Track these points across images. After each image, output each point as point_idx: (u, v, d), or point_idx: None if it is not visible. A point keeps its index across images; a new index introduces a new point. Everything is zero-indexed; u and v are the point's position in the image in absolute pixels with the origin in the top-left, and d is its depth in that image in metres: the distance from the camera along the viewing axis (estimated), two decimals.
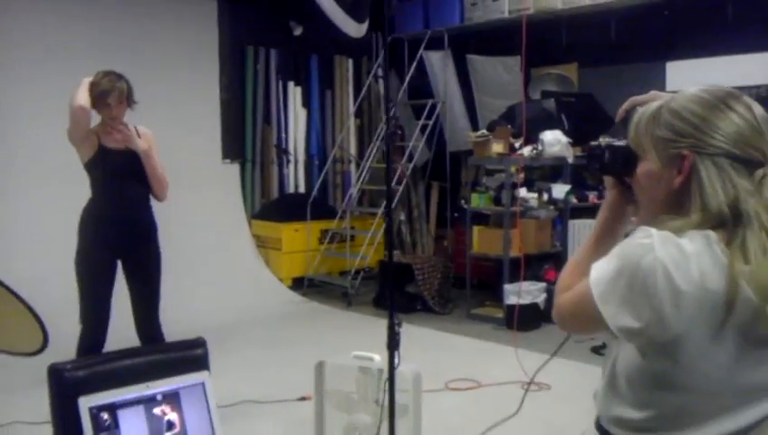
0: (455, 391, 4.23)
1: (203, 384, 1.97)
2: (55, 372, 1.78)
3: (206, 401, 1.96)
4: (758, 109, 1.20)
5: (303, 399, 3.87)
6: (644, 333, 1.15)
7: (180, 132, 6.51)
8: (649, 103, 1.27)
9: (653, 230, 1.16)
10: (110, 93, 3.21)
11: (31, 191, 5.24)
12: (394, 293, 6.06)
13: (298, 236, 7.14)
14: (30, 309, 2.51)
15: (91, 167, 3.30)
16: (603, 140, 1.33)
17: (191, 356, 1.99)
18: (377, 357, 3.14)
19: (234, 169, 7.16)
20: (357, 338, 3.72)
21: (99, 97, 3.21)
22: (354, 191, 7.50)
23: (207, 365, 2.02)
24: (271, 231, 7.12)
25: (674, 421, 1.20)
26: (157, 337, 3.44)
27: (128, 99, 3.30)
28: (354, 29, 6.99)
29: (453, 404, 4.03)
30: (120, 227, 3.38)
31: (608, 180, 1.38)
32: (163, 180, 3.40)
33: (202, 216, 6.59)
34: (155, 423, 1.87)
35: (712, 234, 1.15)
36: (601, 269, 1.20)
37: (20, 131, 5.49)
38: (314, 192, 7.43)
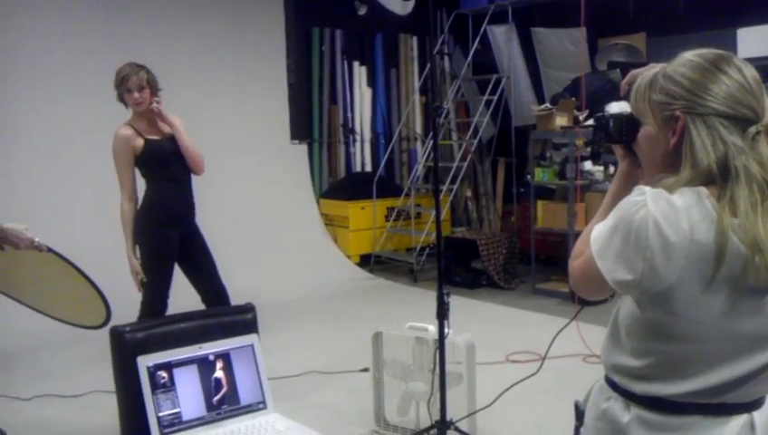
0: (515, 364, 4.28)
1: (252, 346, 2.11)
2: (116, 335, 1.95)
3: (255, 362, 2.11)
4: (750, 71, 1.24)
5: (366, 370, 3.93)
6: (638, 285, 1.21)
7: (250, 116, 6.77)
8: (648, 72, 1.33)
9: (646, 188, 1.23)
10: (130, 78, 3.35)
11: (90, 164, 5.35)
12: (449, 266, 6.13)
13: (364, 214, 7.23)
14: (93, 284, 2.64)
15: (142, 162, 3.45)
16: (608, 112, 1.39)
17: (241, 320, 2.13)
18: (431, 327, 3.22)
19: (302, 149, 7.31)
20: (421, 312, 3.78)
21: (121, 83, 3.38)
22: (419, 169, 7.55)
23: (257, 329, 2.15)
24: (338, 209, 7.24)
25: (671, 370, 1.26)
26: (225, 298, 3.56)
27: (150, 86, 3.43)
28: (399, 6, 7.01)
29: (512, 376, 4.08)
30: (179, 210, 3.53)
31: (617, 150, 1.44)
32: (197, 155, 3.51)
33: (272, 195, 6.75)
34: (207, 381, 2.02)
35: (703, 189, 1.20)
36: (599, 229, 1.27)
37: (81, 101, 5.60)
38: (380, 170, 7.49)
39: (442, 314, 2.96)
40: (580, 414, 1.46)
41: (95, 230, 5.15)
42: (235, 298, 3.77)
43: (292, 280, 6.23)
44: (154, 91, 3.44)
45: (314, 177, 7.49)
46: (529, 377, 2.89)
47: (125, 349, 1.94)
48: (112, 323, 2.36)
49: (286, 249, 6.59)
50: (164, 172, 3.45)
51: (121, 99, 3.43)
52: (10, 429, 3.48)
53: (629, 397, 1.31)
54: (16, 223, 2.40)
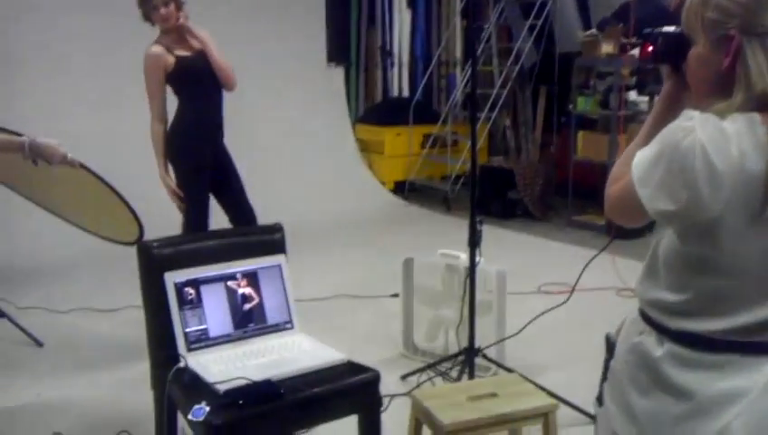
0: (546, 295, 4.25)
1: (279, 266, 2.11)
2: (144, 250, 1.94)
3: (283, 282, 2.10)
4: None
5: (396, 295, 3.95)
6: (680, 216, 1.15)
7: (286, 38, 6.61)
8: None
9: (695, 113, 1.14)
10: None
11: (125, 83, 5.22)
12: (483, 196, 6.00)
13: (400, 141, 7.19)
14: (124, 201, 2.74)
15: (174, 80, 3.37)
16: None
17: (269, 240, 2.12)
18: (462, 255, 3.21)
19: (338, 72, 7.20)
20: (453, 241, 3.78)
21: (144, 2, 3.30)
22: (458, 95, 7.39)
23: (284, 249, 2.14)
24: (374, 135, 7.20)
25: (709, 306, 1.21)
26: (253, 219, 3.54)
27: (175, 0, 3.34)
28: None
29: (543, 307, 4.07)
30: (210, 127, 3.48)
31: (664, 70, 1.35)
32: (229, 70, 3.42)
33: (307, 119, 6.70)
34: (234, 299, 2.03)
35: (756, 115, 1.12)
36: (642, 154, 1.20)
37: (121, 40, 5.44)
38: (417, 96, 7.38)
39: (474, 241, 2.94)
40: (611, 347, 1.42)
41: (135, 152, 5.15)
42: (266, 221, 3.75)
43: (324, 204, 6.23)
44: (179, 5, 3.35)
45: (350, 101, 7.40)
46: (558, 306, 2.89)
47: (152, 264, 1.94)
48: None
49: (320, 174, 6.59)
50: (196, 89, 3.38)
51: (147, 17, 3.34)
52: (47, 339, 3.59)
53: (663, 332, 1.26)
54: (49, 138, 2.39)
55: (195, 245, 2.05)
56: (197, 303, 1.97)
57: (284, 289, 2.11)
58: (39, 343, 3.49)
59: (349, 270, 4.82)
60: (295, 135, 6.58)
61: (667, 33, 1.29)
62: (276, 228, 2.17)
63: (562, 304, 2.82)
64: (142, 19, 3.36)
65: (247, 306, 2.06)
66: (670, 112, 1.32)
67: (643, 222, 1.25)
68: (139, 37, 3.36)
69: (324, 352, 2.04)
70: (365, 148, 7.27)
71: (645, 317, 1.31)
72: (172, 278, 1.94)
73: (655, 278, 1.28)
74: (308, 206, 6.07)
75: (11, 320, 3.50)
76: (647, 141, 1.31)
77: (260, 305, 2.08)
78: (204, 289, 1.99)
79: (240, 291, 2.05)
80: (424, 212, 6.63)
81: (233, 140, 3.62)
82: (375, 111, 7.43)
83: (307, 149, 6.61)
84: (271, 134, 6.36)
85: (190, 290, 1.95)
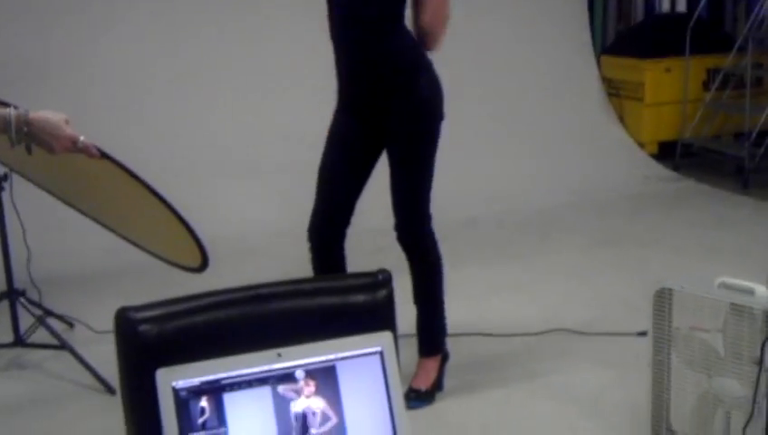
0: None
1: (380, 354, 1.59)
2: (123, 324, 1.47)
3: (386, 382, 1.56)
4: None
5: (643, 334, 3.53)
6: None
7: None
8: None
9: None
10: None
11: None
12: None
13: (670, 80, 6.81)
14: (171, 208, 2.61)
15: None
16: None
17: (363, 304, 1.63)
18: (762, 289, 2.80)
19: None
20: (752, 244, 3.13)
21: None
22: (765, 8, 6.74)
23: (392, 319, 1.62)
24: (629, 72, 6.88)
25: None
26: (412, 247, 3.29)
27: None
28: None
29: None
30: (353, 79, 3.24)
31: None
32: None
33: (531, 52, 6.59)
34: (287, 418, 1.51)
35: None
36: None
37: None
38: (699, 10, 6.85)
39: None
40: None
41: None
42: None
43: (550, 177, 6.04)
44: None
45: (594, 24, 7.18)
46: None
47: (136, 352, 1.48)
48: None
49: (546, 129, 6.38)
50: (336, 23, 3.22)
51: None
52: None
53: None
54: (50, 111, 2.16)
55: (215, 314, 1.53)
56: (217, 424, 1.50)
57: (388, 396, 1.55)
58: (111, 390, 3.34)
59: (574, 285, 4.47)
60: (513, 74, 6.44)
61: None
62: (379, 280, 1.60)
63: None
64: None
65: (317, 432, 1.56)
66: None
67: None
68: None
69: None
70: (615, 91, 7.02)
71: None
72: (169, 379, 1.46)
73: None
74: (525, 179, 5.93)
75: (75, 355, 3.43)
76: None
77: (340, 429, 1.52)
78: (230, 400, 1.52)
79: (302, 404, 1.57)
80: (704, 191, 6.18)
81: None
82: (632, 36, 7.24)
83: (529, 93, 6.45)
84: (479, 74, 6.31)
85: (204, 403, 1.52)
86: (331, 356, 1.57)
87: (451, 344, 3.40)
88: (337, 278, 1.78)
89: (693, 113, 6.73)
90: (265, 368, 1.55)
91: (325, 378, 1.57)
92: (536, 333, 3.86)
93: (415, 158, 3.21)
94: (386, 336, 1.60)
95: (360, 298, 1.65)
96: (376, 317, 1.63)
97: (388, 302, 1.65)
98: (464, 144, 4.91)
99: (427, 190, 3.27)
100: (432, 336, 3.32)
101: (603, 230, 5.29)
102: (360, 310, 1.63)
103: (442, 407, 3.26)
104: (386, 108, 3.15)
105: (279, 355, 1.54)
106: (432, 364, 3.29)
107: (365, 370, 1.59)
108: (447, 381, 3.33)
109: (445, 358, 3.36)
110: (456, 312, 3.48)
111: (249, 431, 1.54)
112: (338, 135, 3.28)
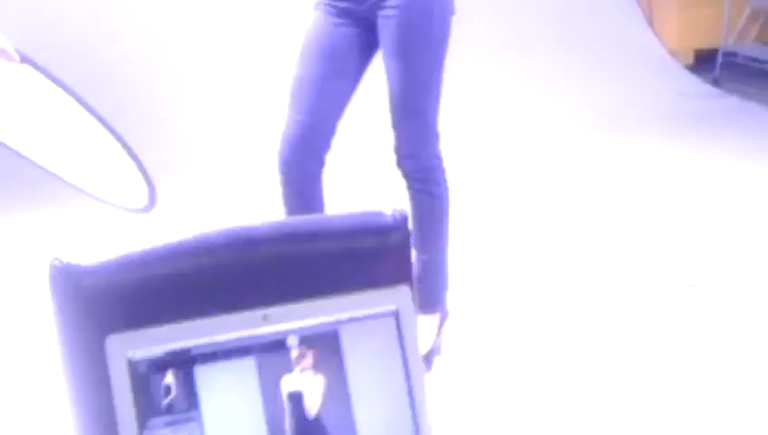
0: None
1: (396, 315, 1.34)
2: (61, 277, 1.24)
3: (403, 350, 1.34)
4: None
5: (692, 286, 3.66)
6: None
7: None
8: None
9: None
10: None
11: None
12: None
13: None
14: (113, 132, 2.57)
15: None
16: None
17: (371, 250, 1.37)
18: None
19: None
20: None
21: None
22: None
23: (408, 271, 1.37)
24: None
25: None
26: (414, 173, 2.97)
27: None
28: None
29: None
30: None
31: None
32: None
33: None
34: (276, 398, 1.30)
35: None
36: None
37: None
38: None
39: None
40: None
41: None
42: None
43: (585, 89, 5.83)
44: None
45: None
46: None
47: (79, 314, 1.25)
48: None
49: (567, 37, 6.17)
50: None
51: None
52: None
53: None
54: None
55: (182, 264, 1.32)
56: (187, 407, 1.28)
57: (405, 368, 1.34)
58: None
59: (611, 228, 4.25)
60: None
61: None
62: (393, 220, 1.37)
63: None
64: None
65: (308, 413, 1.33)
66: None
67: None
68: None
69: None
70: None
71: None
72: (123, 348, 1.25)
73: None
74: (548, 90, 5.80)
75: None
76: None
77: (344, 410, 1.36)
78: (203, 375, 1.29)
79: (295, 380, 1.35)
80: (750, 109, 5.85)
81: None
82: None
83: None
84: None
85: (169, 378, 1.30)
86: (333, 318, 1.36)
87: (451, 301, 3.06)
88: (338, 218, 1.56)
89: (737, 15, 6.50)
90: (248, 334, 1.33)
91: (325, 346, 1.36)
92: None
93: (417, 50, 2.83)
94: (402, 292, 1.37)
95: (369, 243, 1.41)
96: (389, 268, 1.38)
97: (404, 249, 1.41)
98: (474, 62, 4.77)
99: (435, 99, 2.90)
100: (432, 289, 2.93)
101: (643, 152, 5.07)
102: (368, 259, 1.39)
103: (441, 375, 2.92)
104: None
105: (265, 317, 1.32)
106: (430, 323, 2.92)
107: (376, 335, 1.38)
108: (447, 345, 3.00)
109: (444, 317, 3.00)
110: (460, 262, 3.17)
111: (227, 415, 1.31)
112: (318, 35, 2.91)
